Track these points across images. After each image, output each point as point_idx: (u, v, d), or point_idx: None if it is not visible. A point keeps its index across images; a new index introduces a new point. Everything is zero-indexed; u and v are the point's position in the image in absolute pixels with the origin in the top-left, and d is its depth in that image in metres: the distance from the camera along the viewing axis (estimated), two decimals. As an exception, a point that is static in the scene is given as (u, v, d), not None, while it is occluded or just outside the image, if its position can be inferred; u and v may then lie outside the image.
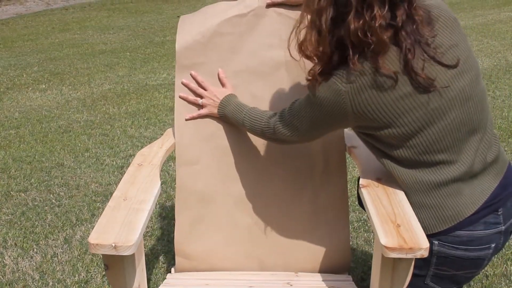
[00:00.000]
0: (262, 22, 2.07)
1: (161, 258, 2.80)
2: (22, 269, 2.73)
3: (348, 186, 3.43)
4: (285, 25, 2.06)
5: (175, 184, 3.55)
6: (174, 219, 3.14)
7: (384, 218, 1.53)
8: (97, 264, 2.75)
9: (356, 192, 3.32)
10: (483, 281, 2.53)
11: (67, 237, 3.00)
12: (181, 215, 2.08)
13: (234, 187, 2.08)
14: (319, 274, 2.07)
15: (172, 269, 2.12)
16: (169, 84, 5.79)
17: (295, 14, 2.04)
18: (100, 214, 3.14)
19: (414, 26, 1.45)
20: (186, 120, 2.07)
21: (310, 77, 1.56)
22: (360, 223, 3.05)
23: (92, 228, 3.06)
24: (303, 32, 1.56)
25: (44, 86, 5.86)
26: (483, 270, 2.56)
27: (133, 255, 1.52)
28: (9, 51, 7.67)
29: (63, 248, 2.90)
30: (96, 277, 2.66)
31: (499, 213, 1.61)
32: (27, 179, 3.70)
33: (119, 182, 2.13)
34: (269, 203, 2.08)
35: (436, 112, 1.50)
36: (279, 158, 2.07)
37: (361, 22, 1.40)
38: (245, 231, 2.09)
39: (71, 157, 4.04)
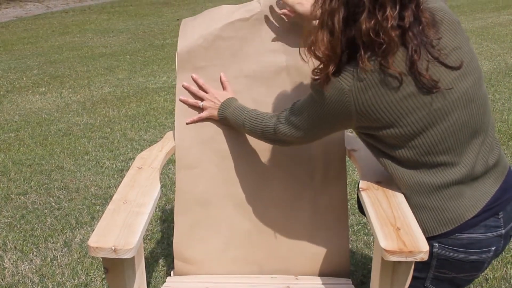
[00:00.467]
0: (264, 26, 2.07)
1: (160, 261, 2.80)
2: (22, 272, 2.73)
3: (348, 189, 3.43)
4: (287, 29, 2.06)
5: (175, 187, 3.54)
6: (173, 223, 3.14)
7: (383, 221, 1.53)
8: (96, 267, 2.75)
9: (355, 195, 3.32)
10: (483, 284, 2.53)
11: (66, 240, 3.00)
12: (181, 218, 2.08)
13: (234, 191, 2.08)
14: (318, 277, 2.07)
15: (172, 273, 2.12)
16: (169, 87, 5.79)
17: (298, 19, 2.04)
18: (100, 217, 3.14)
19: (420, 28, 1.46)
20: (187, 124, 2.07)
21: (317, 77, 1.56)
22: (359, 226, 3.05)
23: (92, 231, 3.06)
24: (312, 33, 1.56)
25: (44, 89, 5.86)
26: (482, 273, 2.56)
27: (132, 258, 1.51)
28: (9, 54, 7.68)
29: (63, 251, 2.90)
30: (96, 280, 2.65)
31: (500, 216, 1.61)
32: (26, 182, 3.69)
33: (118, 185, 2.13)
34: (269, 206, 2.08)
35: (439, 112, 1.51)
36: (279, 162, 2.07)
37: (373, 22, 1.41)
38: (245, 234, 2.08)
39: (71, 160, 4.04)
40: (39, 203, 3.41)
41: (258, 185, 2.07)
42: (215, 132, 2.07)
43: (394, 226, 1.50)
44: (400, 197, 1.65)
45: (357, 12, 1.43)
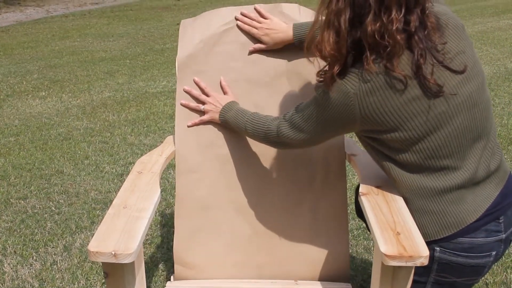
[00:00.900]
0: None
1: (160, 266, 2.80)
2: (22, 277, 2.72)
3: (348, 194, 3.43)
4: None
5: (175, 191, 3.54)
6: (173, 227, 3.13)
7: (384, 226, 1.53)
8: (96, 272, 2.75)
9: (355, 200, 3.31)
10: (483, 289, 2.52)
11: (66, 244, 3.00)
12: (181, 223, 2.08)
13: (234, 196, 2.08)
14: (318, 282, 2.06)
15: (172, 277, 2.12)
16: (168, 92, 5.80)
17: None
18: (100, 222, 3.14)
19: (426, 32, 1.47)
20: (188, 126, 2.07)
21: (322, 78, 1.57)
22: (359, 231, 3.05)
23: (92, 236, 3.06)
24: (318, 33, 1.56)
25: (44, 94, 5.87)
26: (483, 278, 2.56)
27: (132, 263, 1.51)
28: (9, 58, 7.68)
29: (63, 255, 2.90)
30: (96, 285, 2.65)
31: (500, 221, 1.61)
32: (26, 187, 3.69)
33: (118, 190, 2.13)
34: (269, 211, 2.08)
35: (444, 116, 1.51)
36: (279, 166, 2.07)
37: (378, 24, 1.42)
38: (245, 239, 2.08)
39: (71, 165, 4.04)
40: (39, 207, 3.40)
41: (258, 189, 2.07)
42: (215, 137, 2.07)
43: (394, 231, 1.50)
44: (400, 202, 1.65)
45: (363, 14, 1.44)
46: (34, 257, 2.89)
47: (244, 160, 2.07)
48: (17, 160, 4.16)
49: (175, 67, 2.12)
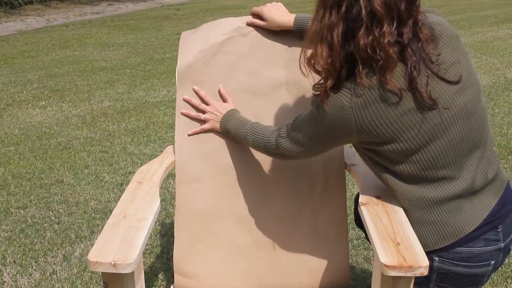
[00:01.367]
0: (263, 42, 2.09)
1: (160, 275, 2.80)
2: (21, 287, 2.72)
3: (347, 203, 3.43)
4: (286, 45, 2.07)
5: (174, 201, 3.54)
6: (173, 237, 3.13)
7: (383, 236, 1.53)
8: (96, 281, 2.74)
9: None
10: (483, 299, 2.52)
11: (66, 254, 2.99)
12: (180, 233, 2.08)
13: (234, 206, 2.08)
14: (318, 292, 2.06)
15: (172, 287, 2.12)
16: (168, 101, 5.80)
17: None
18: (100, 232, 3.14)
19: (419, 44, 1.47)
20: (189, 135, 2.08)
21: (318, 92, 1.57)
22: (359, 240, 3.05)
23: (92, 246, 3.05)
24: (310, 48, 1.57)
25: (44, 103, 5.87)
26: (482, 287, 2.56)
27: (132, 273, 1.51)
28: (9, 67, 7.70)
29: (62, 265, 2.89)
30: (95, 294, 2.65)
31: (499, 230, 1.61)
32: (26, 196, 3.69)
33: (118, 199, 2.13)
34: (269, 221, 2.08)
35: (440, 127, 1.51)
36: (279, 176, 2.07)
37: (370, 38, 1.42)
38: (245, 249, 2.08)
39: (71, 174, 4.04)
40: (39, 217, 3.40)
41: (258, 199, 2.08)
42: (215, 146, 2.07)
43: (394, 241, 1.50)
44: (399, 212, 1.65)
45: (356, 28, 1.44)
46: (34, 267, 2.88)
47: (244, 170, 2.08)
48: (17, 169, 4.16)
49: (175, 77, 2.13)
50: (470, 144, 1.57)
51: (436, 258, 1.62)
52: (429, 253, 1.62)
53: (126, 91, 6.28)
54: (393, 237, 1.52)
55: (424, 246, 1.62)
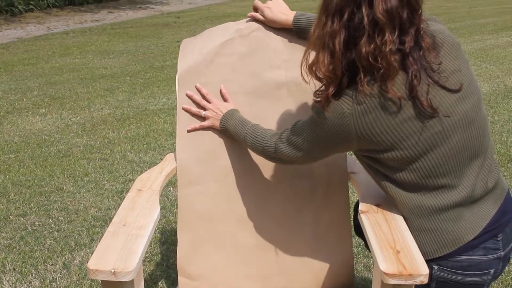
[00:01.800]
0: (263, 43, 2.10)
1: (160, 283, 2.79)
2: (21, 294, 2.72)
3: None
4: (286, 46, 2.08)
5: (174, 209, 3.54)
6: (173, 244, 3.13)
7: (383, 244, 1.53)
8: (95, 289, 2.74)
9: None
10: (483, 307, 2.52)
11: (66, 262, 2.99)
12: (184, 235, 2.09)
13: (236, 207, 2.08)
14: (320, 296, 2.06)
15: (173, 292, 2.12)
16: (168, 109, 5.81)
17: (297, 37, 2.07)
18: (99, 239, 3.13)
19: (421, 52, 1.47)
20: (188, 131, 2.08)
21: (319, 99, 1.57)
22: (359, 248, 3.05)
23: (91, 253, 3.05)
24: (312, 54, 1.57)
25: (44, 110, 5.88)
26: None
27: (132, 281, 1.51)
28: (9, 75, 7.70)
29: (62, 273, 2.89)
30: (95, 302, 2.64)
31: (499, 238, 1.61)
32: (26, 204, 3.69)
33: (118, 207, 2.13)
34: (272, 223, 2.08)
35: (440, 135, 1.51)
36: (281, 177, 2.07)
37: (372, 46, 1.42)
38: (247, 251, 2.08)
39: (71, 182, 4.04)
40: (39, 224, 3.40)
41: (261, 200, 2.08)
42: (217, 148, 2.08)
43: (394, 249, 1.50)
44: (399, 220, 1.65)
45: (358, 36, 1.44)
46: (33, 275, 2.88)
47: (246, 171, 2.08)
48: (16, 177, 4.16)
49: (175, 84, 2.13)
50: (470, 152, 1.57)
51: (436, 267, 1.62)
52: (428, 262, 1.62)
53: (126, 99, 6.29)
54: (393, 245, 1.52)
55: (423, 254, 1.62)
